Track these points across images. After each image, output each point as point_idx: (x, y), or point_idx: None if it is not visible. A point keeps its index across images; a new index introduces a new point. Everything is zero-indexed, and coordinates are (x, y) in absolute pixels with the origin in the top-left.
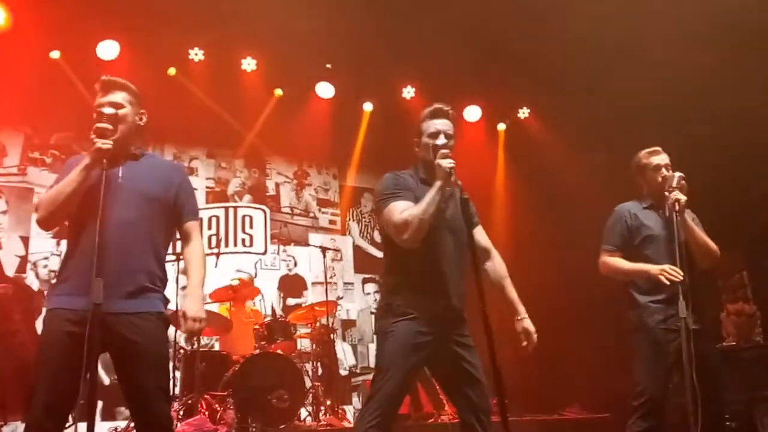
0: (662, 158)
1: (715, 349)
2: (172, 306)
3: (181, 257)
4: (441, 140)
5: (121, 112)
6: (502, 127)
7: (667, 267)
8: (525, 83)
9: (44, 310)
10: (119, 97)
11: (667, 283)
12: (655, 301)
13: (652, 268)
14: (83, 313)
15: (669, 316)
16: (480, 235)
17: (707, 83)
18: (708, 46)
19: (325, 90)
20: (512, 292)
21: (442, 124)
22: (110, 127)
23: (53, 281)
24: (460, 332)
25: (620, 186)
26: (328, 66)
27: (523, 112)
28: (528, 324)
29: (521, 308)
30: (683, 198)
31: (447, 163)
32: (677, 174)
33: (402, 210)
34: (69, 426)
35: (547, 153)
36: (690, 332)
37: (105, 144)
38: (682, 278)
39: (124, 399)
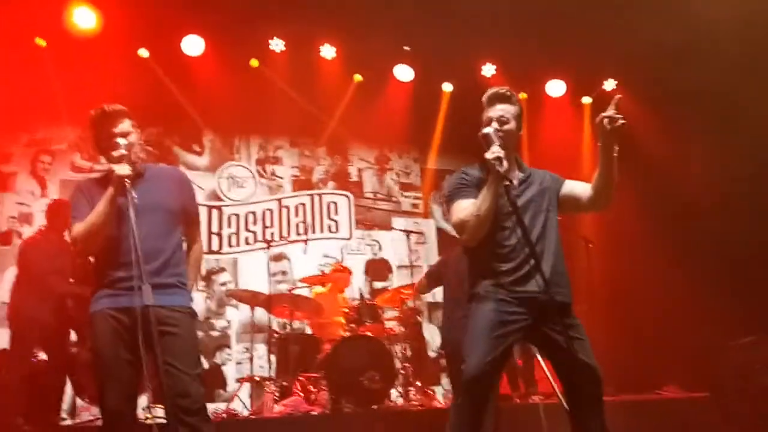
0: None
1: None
2: (263, 289)
3: (271, 244)
4: (486, 129)
5: (131, 139)
6: (587, 100)
7: None
8: (610, 53)
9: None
10: (127, 125)
11: None
12: None
13: None
14: (126, 309)
15: None
16: (571, 184)
17: None
18: None
19: (403, 73)
20: None
21: (495, 110)
22: (126, 153)
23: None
24: (559, 316)
25: (718, 158)
26: (406, 48)
27: (610, 84)
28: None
29: None
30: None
31: (489, 154)
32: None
33: (461, 210)
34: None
35: (636, 126)
36: None
37: (123, 170)
38: None
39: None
